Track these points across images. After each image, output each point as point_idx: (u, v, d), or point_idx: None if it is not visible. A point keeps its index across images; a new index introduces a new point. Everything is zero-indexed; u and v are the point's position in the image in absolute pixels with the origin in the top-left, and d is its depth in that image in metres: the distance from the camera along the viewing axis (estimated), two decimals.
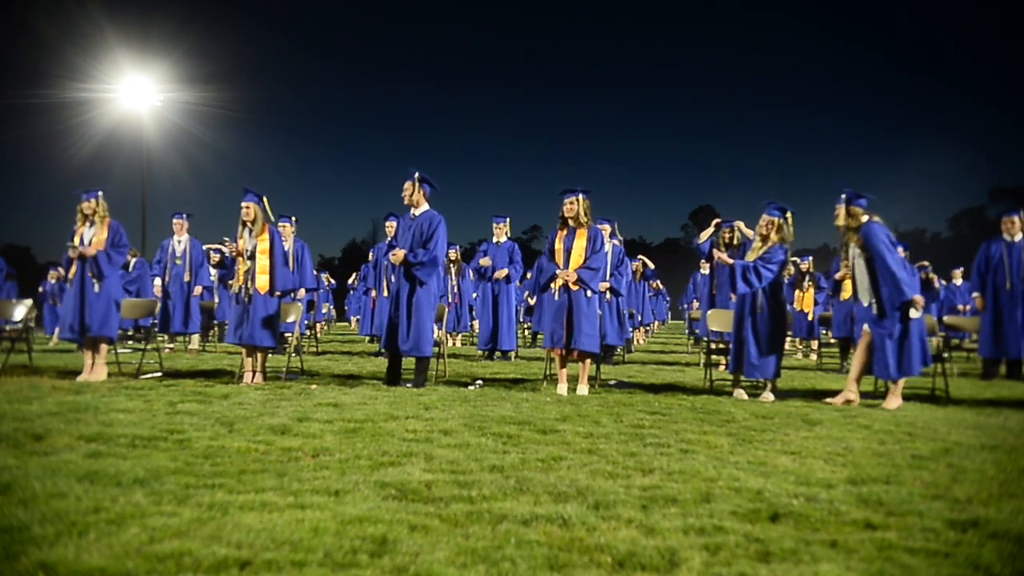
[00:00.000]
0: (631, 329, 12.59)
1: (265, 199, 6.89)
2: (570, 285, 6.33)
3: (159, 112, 26.13)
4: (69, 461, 3.18)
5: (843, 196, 5.94)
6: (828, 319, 10.48)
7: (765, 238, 6.29)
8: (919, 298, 5.66)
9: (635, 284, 13.96)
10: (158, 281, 10.65)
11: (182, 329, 10.62)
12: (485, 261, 10.23)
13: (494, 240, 10.48)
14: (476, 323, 12.20)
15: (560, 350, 6.38)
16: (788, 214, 6.30)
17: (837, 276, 9.45)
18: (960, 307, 13.81)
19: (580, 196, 6.46)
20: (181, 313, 10.57)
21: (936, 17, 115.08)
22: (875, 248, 5.73)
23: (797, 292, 11.68)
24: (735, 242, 8.03)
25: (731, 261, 6.29)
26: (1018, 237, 8.56)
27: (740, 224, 7.83)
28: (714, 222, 7.98)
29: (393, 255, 6.61)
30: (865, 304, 5.90)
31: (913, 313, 5.66)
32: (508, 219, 10.46)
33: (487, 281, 10.29)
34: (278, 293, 6.79)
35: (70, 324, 6.75)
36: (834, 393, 6.32)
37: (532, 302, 11.67)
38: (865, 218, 5.85)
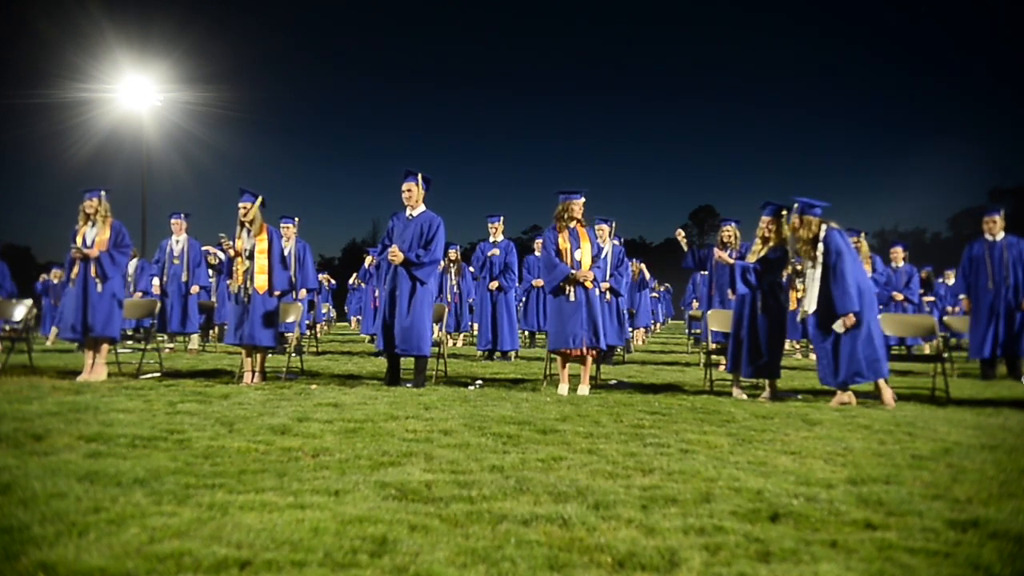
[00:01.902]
0: (631, 329, 12.60)
1: (261, 198, 6.89)
2: (586, 285, 6.34)
3: (159, 112, 26.15)
4: (69, 461, 3.18)
5: (796, 206, 5.91)
6: None
7: (766, 240, 6.30)
8: (852, 318, 5.62)
9: (633, 284, 13.97)
10: (156, 281, 10.67)
11: (180, 329, 10.65)
12: (493, 285, 10.22)
13: (491, 239, 10.49)
14: (476, 324, 12.21)
15: (578, 350, 6.34)
16: (784, 212, 6.32)
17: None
18: (949, 308, 13.77)
19: (583, 198, 6.52)
20: (179, 313, 10.59)
21: (936, 17, 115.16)
22: (837, 255, 5.69)
23: (791, 292, 11.65)
24: (734, 242, 8.05)
25: (731, 260, 6.30)
26: (999, 236, 8.50)
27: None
28: (679, 234, 7.95)
29: (392, 254, 6.58)
30: (811, 311, 5.86)
31: (837, 326, 5.64)
32: (502, 218, 10.49)
33: (487, 291, 10.32)
34: (276, 293, 6.78)
35: (72, 324, 6.74)
36: (835, 393, 6.32)
37: (538, 284, 11.66)
38: (823, 227, 5.82)
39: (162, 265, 10.73)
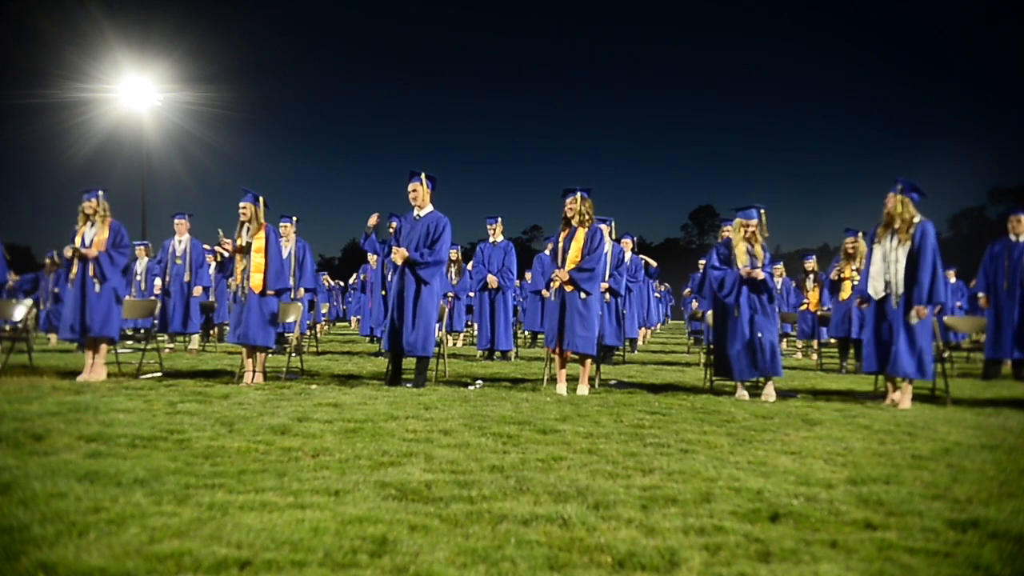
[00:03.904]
0: (638, 328, 12.56)
1: (261, 199, 6.88)
2: (564, 286, 6.34)
3: (159, 112, 26.18)
4: (69, 461, 3.18)
5: (899, 185, 5.89)
6: (826, 319, 10.48)
7: (750, 240, 6.31)
8: (924, 310, 5.65)
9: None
10: (158, 281, 10.68)
11: (182, 329, 10.65)
12: (492, 280, 10.25)
13: (490, 240, 10.49)
14: (475, 325, 12.21)
15: (556, 349, 6.38)
16: (762, 212, 6.37)
17: (833, 276, 9.48)
18: (959, 304, 13.82)
19: (580, 195, 6.46)
20: (181, 313, 10.60)
21: (935, 18, 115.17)
22: (928, 248, 5.71)
23: (804, 291, 11.72)
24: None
25: (763, 275, 6.20)
26: (1023, 237, 8.49)
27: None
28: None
29: (396, 253, 6.58)
30: (880, 295, 5.85)
31: (912, 317, 5.67)
32: (500, 219, 10.48)
33: (482, 291, 10.33)
34: (271, 292, 6.72)
35: (71, 324, 6.74)
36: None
37: (546, 294, 11.73)
38: (918, 217, 5.83)
39: (164, 265, 10.75)
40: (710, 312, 7.45)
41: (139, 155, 25.43)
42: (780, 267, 12.19)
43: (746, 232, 6.33)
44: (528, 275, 15.65)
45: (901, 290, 5.77)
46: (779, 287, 12.35)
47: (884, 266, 5.87)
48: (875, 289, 5.91)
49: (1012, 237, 8.53)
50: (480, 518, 2.50)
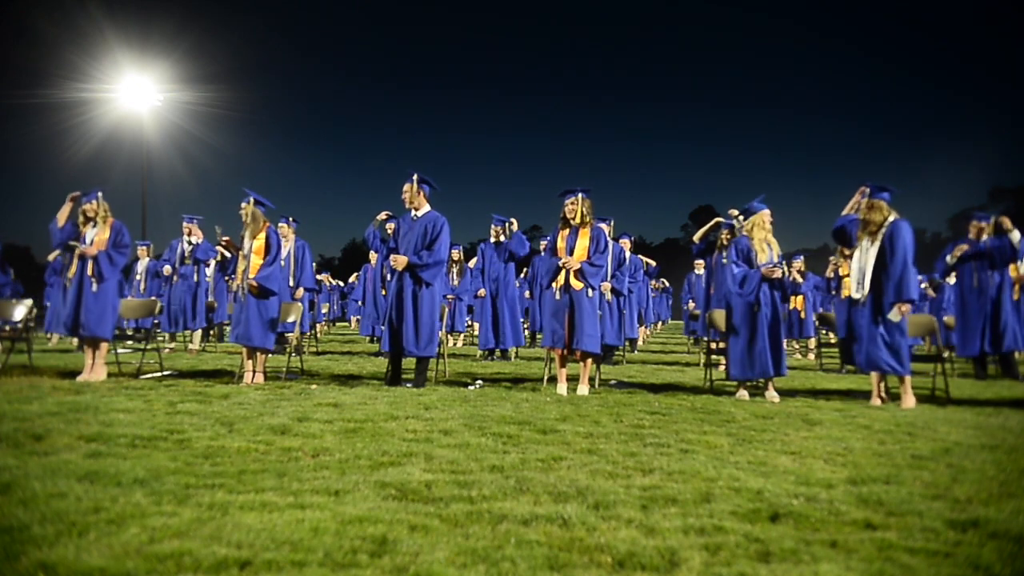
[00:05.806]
0: (638, 327, 12.58)
1: (252, 199, 6.86)
2: (572, 280, 6.30)
3: (159, 112, 26.22)
4: (69, 461, 3.18)
5: (867, 190, 5.99)
6: (827, 319, 10.47)
7: (767, 234, 6.34)
8: (907, 307, 5.69)
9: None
10: (168, 267, 10.83)
11: (190, 325, 10.87)
12: (481, 292, 10.30)
13: (492, 241, 10.45)
14: (476, 324, 12.22)
15: (561, 350, 6.37)
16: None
17: (828, 273, 9.52)
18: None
19: (580, 196, 6.45)
20: (188, 312, 10.82)
21: (935, 18, 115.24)
22: (898, 247, 5.74)
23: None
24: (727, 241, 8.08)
25: (781, 275, 6.22)
26: (984, 237, 8.56)
27: (734, 211, 7.86)
28: (714, 220, 7.96)
29: (395, 260, 6.57)
30: (857, 296, 5.92)
31: (893, 315, 5.70)
32: (506, 222, 10.43)
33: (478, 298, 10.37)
34: (253, 283, 6.61)
35: (64, 321, 6.75)
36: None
37: (528, 296, 11.75)
38: (892, 215, 5.89)
39: (173, 265, 10.91)
40: (711, 312, 7.44)
41: (139, 155, 25.50)
42: (800, 262, 12.18)
43: (768, 226, 6.35)
44: (525, 271, 15.66)
45: (868, 289, 5.86)
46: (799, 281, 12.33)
47: (859, 266, 5.98)
48: (851, 288, 6.03)
49: (973, 239, 8.64)
50: (480, 518, 2.50)
